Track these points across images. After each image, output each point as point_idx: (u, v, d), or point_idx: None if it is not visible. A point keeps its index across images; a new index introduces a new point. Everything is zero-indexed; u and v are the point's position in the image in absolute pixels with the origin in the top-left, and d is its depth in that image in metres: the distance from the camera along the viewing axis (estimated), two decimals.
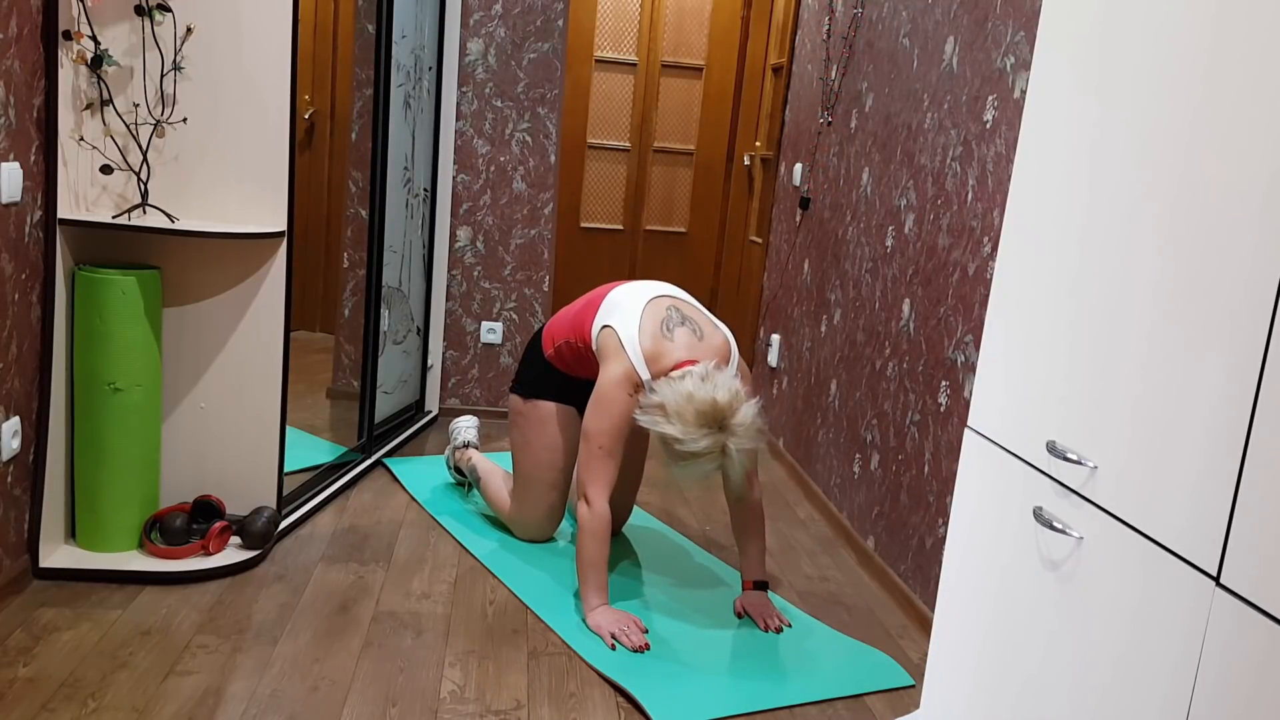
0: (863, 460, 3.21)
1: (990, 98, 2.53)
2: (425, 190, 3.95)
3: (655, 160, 5.61)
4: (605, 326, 2.64)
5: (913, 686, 2.39)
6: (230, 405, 2.78)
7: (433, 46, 3.86)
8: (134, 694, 2.06)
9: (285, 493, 2.92)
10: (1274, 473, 1.15)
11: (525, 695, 2.21)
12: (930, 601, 2.66)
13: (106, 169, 2.54)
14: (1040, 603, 1.59)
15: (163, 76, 2.59)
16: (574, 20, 5.23)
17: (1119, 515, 1.41)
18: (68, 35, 2.40)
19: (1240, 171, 1.23)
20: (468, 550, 2.95)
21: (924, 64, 2.95)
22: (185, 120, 2.63)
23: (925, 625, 2.65)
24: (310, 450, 3.39)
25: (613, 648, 2.42)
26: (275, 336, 2.75)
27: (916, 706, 2.31)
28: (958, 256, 2.65)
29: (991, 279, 2.40)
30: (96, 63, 2.47)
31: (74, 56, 2.43)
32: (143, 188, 2.59)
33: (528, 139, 4.08)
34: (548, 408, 2.93)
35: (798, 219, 4.10)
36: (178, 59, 2.59)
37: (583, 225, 5.61)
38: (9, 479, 2.37)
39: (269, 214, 2.69)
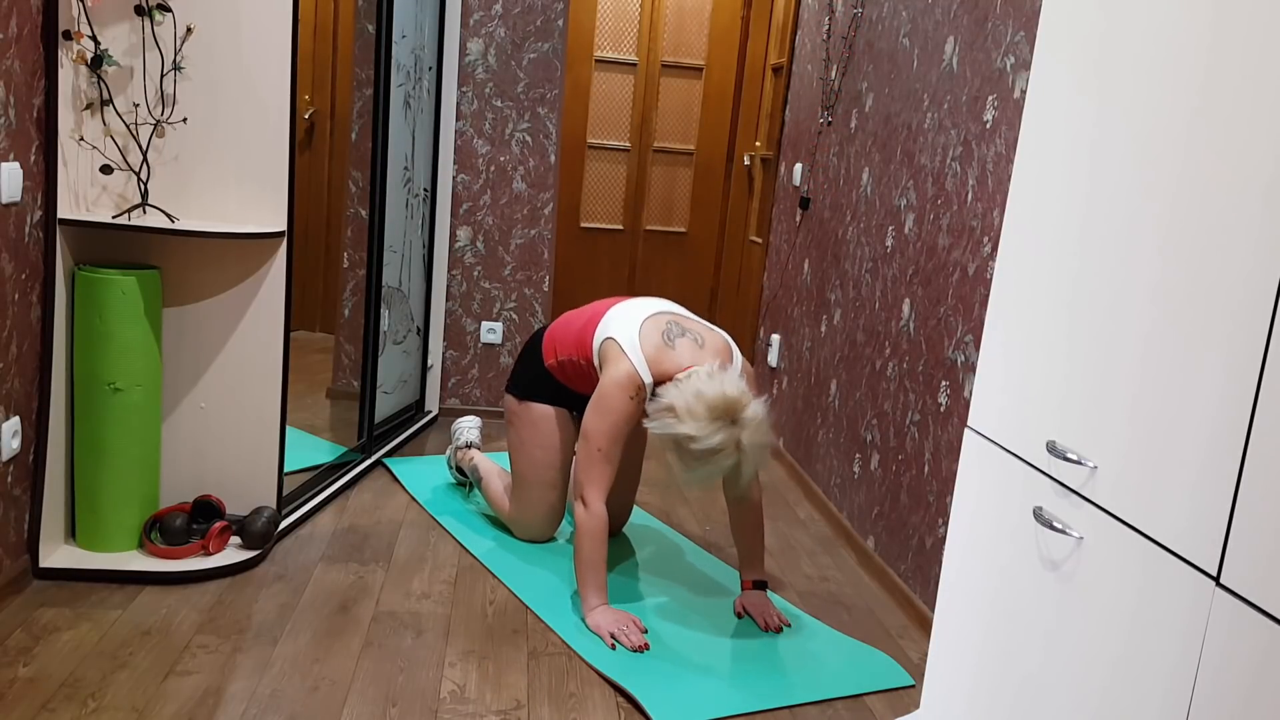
0: (863, 460, 3.21)
1: (990, 98, 2.53)
2: (425, 190, 3.95)
3: (655, 160, 5.61)
4: (607, 338, 2.65)
5: (913, 686, 2.39)
6: (230, 405, 2.78)
7: (433, 46, 3.86)
8: (134, 694, 2.06)
9: (285, 493, 2.92)
10: (1274, 473, 1.15)
11: (525, 695, 2.21)
12: (930, 601, 2.66)
13: (106, 169, 2.54)
14: (1040, 603, 1.59)
15: (163, 76, 2.59)
16: (574, 20, 5.23)
17: (1119, 515, 1.41)
18: (68, 35, 2.40)
19: (1240, 171, 1.23)
20: (468, 550, 2.95)
21: (924, 64, 2.95)
22: (185, 120, 2.63)
23: (925, 625, 2.65)
24: (310, 450, 3.39)
25: (612, 647, 2.42)
26: (275, 336, 2.75)
27: (916, 706, 2.31)
28: (958, 256, 2.65)
29: (991, 279, 2.40)
30: (96, 63, 2.47)
31: (74, 56, 2.43)
32: (143, 188, 2.59)
33: (528, 139, 4.08)
34: (543, 409, 2.93)
35: (798, 219, 4.10)
36: (178, 59, 2.59)
37: (583, 225, 5.61)
38: (9, 479, 2.37)
39: (269, 214, 2.69)
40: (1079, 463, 1.49)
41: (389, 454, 3.69)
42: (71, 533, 2.64)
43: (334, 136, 4.31)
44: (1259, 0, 1.22)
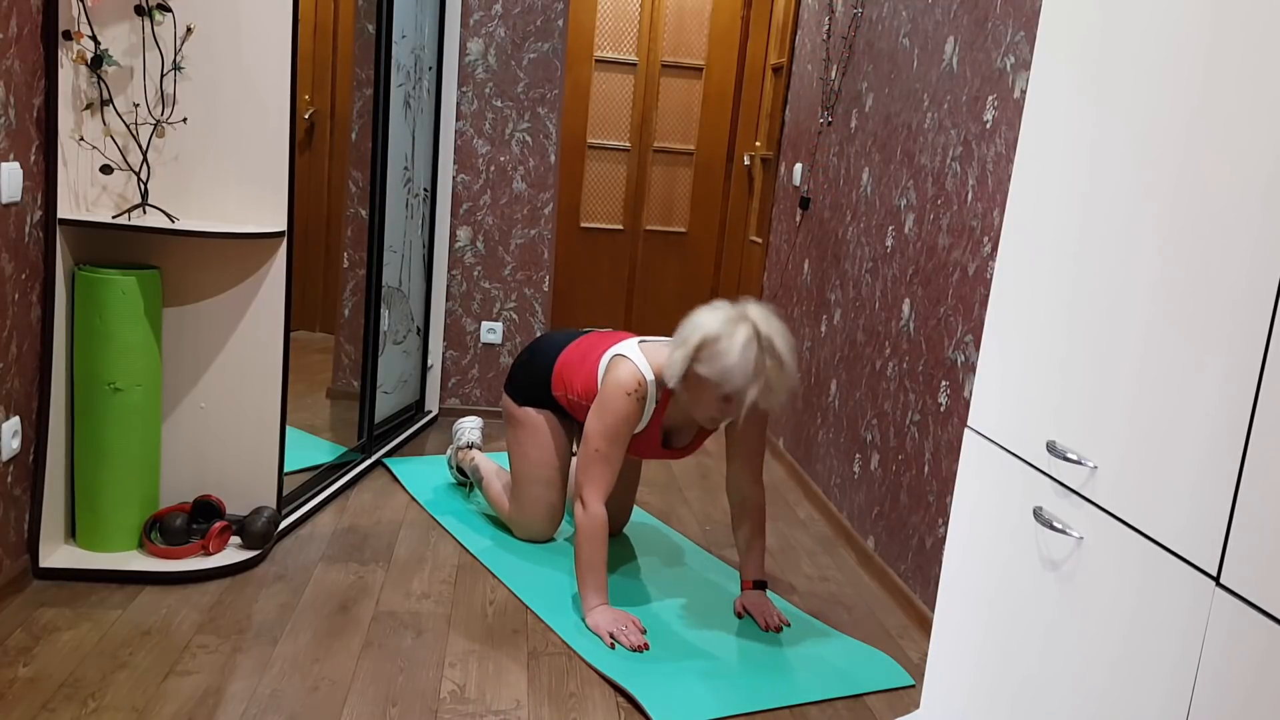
0: (863, 460, 3.21)
1: (990, 98, 2.53)
2: (425, 190, 3.95)
3: (655, 160, 5.60)
4: (611, 358, 2.66)
5: (913, 686, 2.39)
6: (230, 405, 2.78)
7: (433, 46, 3.86)
8: (134, 694, 2.06)
9: (285, 493, 2.92)
10: (1274, 473, 1.15)
11: (525, 695, 2.21)
12: (930, 601, 2.66)
13: (106, 169, 2.54)
14: (1040, 603, 1.59)
15: (163, 76, 2.59)
16: (574, 20, 5.23)
17: (1119, 515, 1.41)
18: (68, 35, 2.40)
19: (1239, 170, 1.23)
20: (467, 550, 2.95)
21: (924, 64, 2.95)
22: (185, 120, 2.63)
23: (925, 625, 2.65)
24: (310, 450, 3.39)
25: (611, 647, 2.42)
26: (275, 336, 2.75)
27: (916, 706, 2.31)
28: (958, 256, 2.65)
29: (991, 279, 2.40)
30: (96, 63, 2.47)
31: (74, 56, 2.43)
32: (143, 188, 2.59)
33: (528, 139, 4.08)
34: (542, 412, 2.93)
35: (798, 219, 4.10)
36: (178, 59, 2.59)
37: (583, 225, 5.61)
38: (9, 479, 2.37)
39: (269, 214, 2.69)
40: (1079, 463, 1.49)
41: (389, 454, 3.69)
42: (71, 533, 2.64)
43: (334, 136, 4.31)
44: (1258, 0, 1.22)
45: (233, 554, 2.68)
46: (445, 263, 4.10)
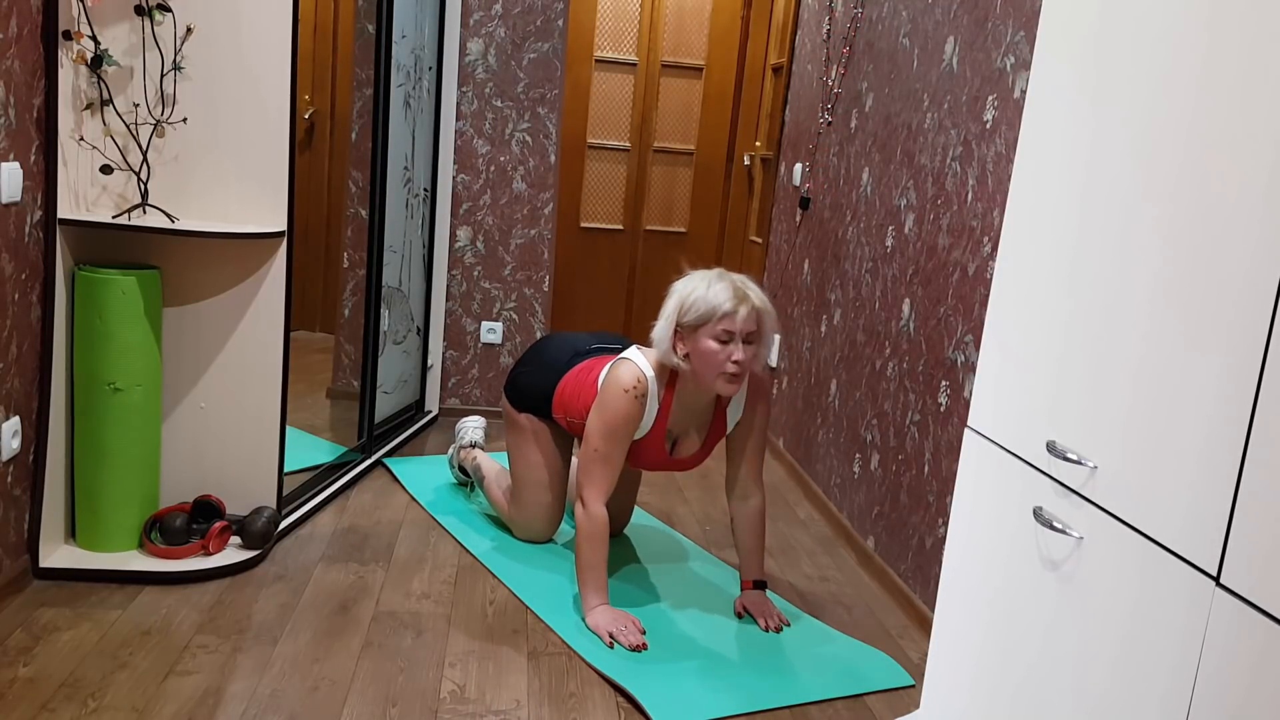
0: (863, 460, 3.21)
1: (990, 98, 2.53)
2: (425, 190, 3.95)
3: (655, 160, 5.60)
4: (610, 365, 2.66)
5: (913, 686, 2.39)
6: (230, 405, 2.78)
7: (433, 46, 3.86)
8: (134, 694, 2.06)
9: (285, 493, 2.92)
10: (1274, 473, 1.15)
11: (525, 695, 2.21)
12: (930, 601, 2.66)
13: (106, 169, 2.54)
14: (1040, 602, 1.59)
15: (163, 76, 2.59)
16: (574, 20, 5.23)
17: (1119, 515, 1.41)
18: (68, 35, 2.40)
19: (1239, 170, 1.23)
20: (468, 550, 2.95)
21: (924, 64, 2.95)
22: (185, 120, 2.63)
23: (925, 625, 2.65)
24: (310, 450, 3.39)
25: (611, 646, 2.42)
26: (275, 336, 2.75)
27: (916, 706, 2.31)
28: (958, 256, 2.65)
29: (991, 279, 2.40)
30: (96, 63, 2.47)
31: (74, 56, 2.43)
32: (143, 188, 2.59)
33: (528, 139, 4.08)
34: (540, 418, 2.94)
35: (798, 219, 4.10)
36: (178, 59, 2.59)
37: (583, 225, 5.61)
38: (9, 479, 2.37)
39: (269, 214, 2.69)
40: (1079, 463, 1.49)
41: (389, 454, 3.69)
42: (71, 533, 2.64)
43: (334, 136, 4.31)
44: (1257, 0, 1.22)
45: (233, 554, 2.68)
46: (445, 263, 4.10)
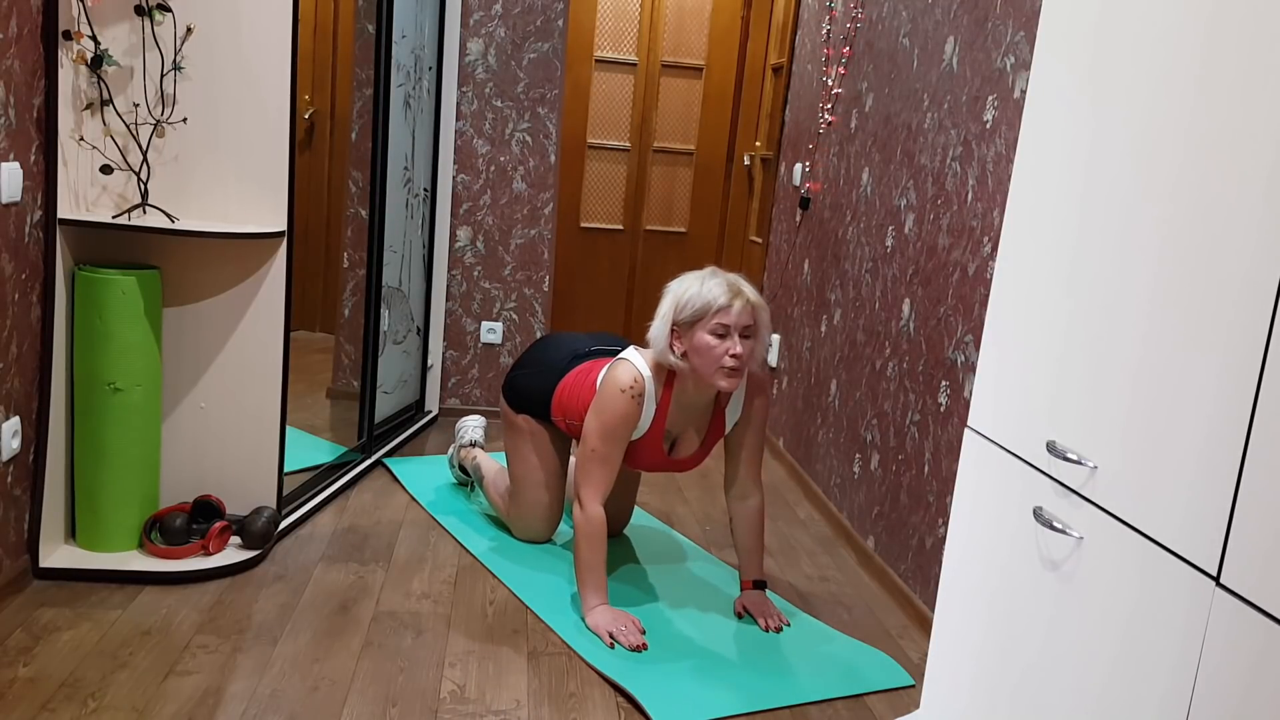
0: (863, 460, 3.21)
1: (990, 98, 2.53)
2: (425, 190, 3.95)
3: (655, 160, 5.60)
4: (607, 366, 2.65)
5: (913, 686, 2.39)
6: (230, 405, 2.78)
7: (433, 46, 3.86)
8: (134, 694, 2.06)
9: (285, 493, 2.92)
10: (1274, 473, 1.15)
11: (525, 695, 2.21)
12: (930, 601, 2.66)
13: (106, 169, 2.54)
14: (1040, 602, 1.59)
15: (163, 76, 2.59)
16: (574, 20, 5.23)
17: (1119, 515, 1.41)
18: (68, 35, 2.40)
19: (1239, 170, 1.23)
20: (468, 550, 2.95)
21: (924, 64, 2.95)
22: (185, 120, 2.63)
23: (925, 625, 2.65)
24: (310, 450, 3.39)
25: (610, 646, 2.42)
26: (275, 336, 2.75)
27: (916, 706, 2.31)
28: (958, 256, 2.65)
29: (991, 279, 2.40)
30: (96, 63, 2.47)
31: (74, 56, 2.43)
32: (143, 188, 2.59)
33: (528, 139, 4.08)
34: (538, 420, 2.94)
35: (798, 219, 4.10)
36: (178, 59, 2.59)
37: (583, 225, 5.61)
38: (9, 479, 2.37)
39: (269, 214, 2.69)
40: (1079, 463, 1.49)
41: (389, 454, 3.69)
42: (71, 533, 2.64)
43: (334, 136, 4.31)
44: (1257, 0, 1.22)
45: (233, 554, 2.68)
46: (445, 263, 4.10)
